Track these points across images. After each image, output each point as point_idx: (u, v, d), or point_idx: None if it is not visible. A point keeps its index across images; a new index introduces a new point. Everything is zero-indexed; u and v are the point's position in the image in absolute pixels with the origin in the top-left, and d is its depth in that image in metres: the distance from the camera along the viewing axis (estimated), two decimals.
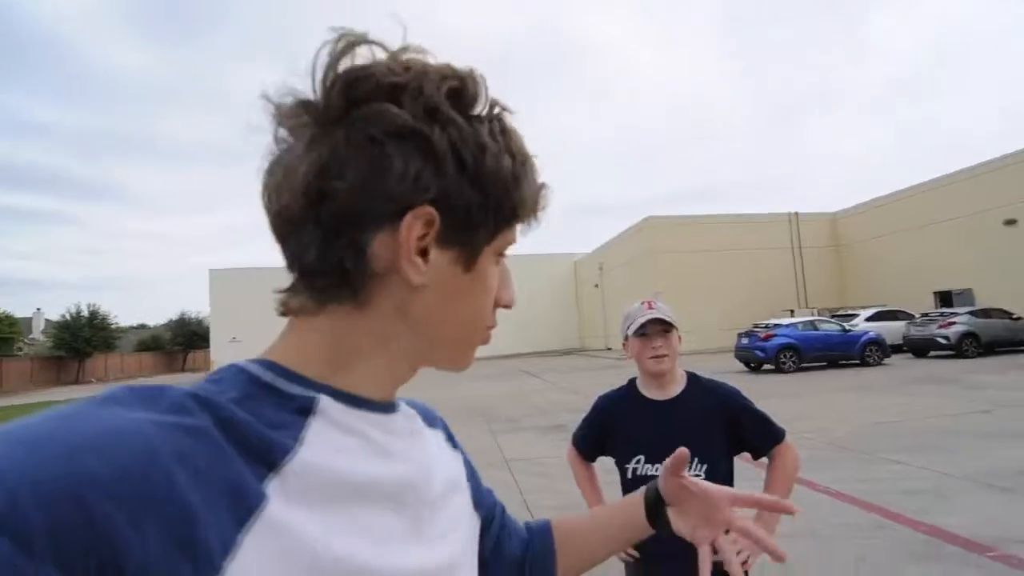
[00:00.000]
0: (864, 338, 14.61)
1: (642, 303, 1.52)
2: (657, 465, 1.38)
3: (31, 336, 42.94)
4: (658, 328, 1.48)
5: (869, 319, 17.00)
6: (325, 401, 0.39)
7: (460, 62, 0.43)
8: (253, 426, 0.35)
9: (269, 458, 0.34)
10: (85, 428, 0.29)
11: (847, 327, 15.35)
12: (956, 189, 20.98)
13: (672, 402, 1.48)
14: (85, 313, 37.81)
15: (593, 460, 1.63)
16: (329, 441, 0.38)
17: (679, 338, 1.51)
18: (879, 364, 14.30)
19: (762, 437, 1.45)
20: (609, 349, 28.81)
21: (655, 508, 0.65)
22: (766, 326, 15.24)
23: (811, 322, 15.48)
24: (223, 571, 0.30)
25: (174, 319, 50.17)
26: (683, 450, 0.63)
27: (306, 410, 0.38)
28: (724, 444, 1.44)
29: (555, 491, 4.80)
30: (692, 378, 1.53)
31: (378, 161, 0.38)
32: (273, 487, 0.34)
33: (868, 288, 24.71)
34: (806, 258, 26.55)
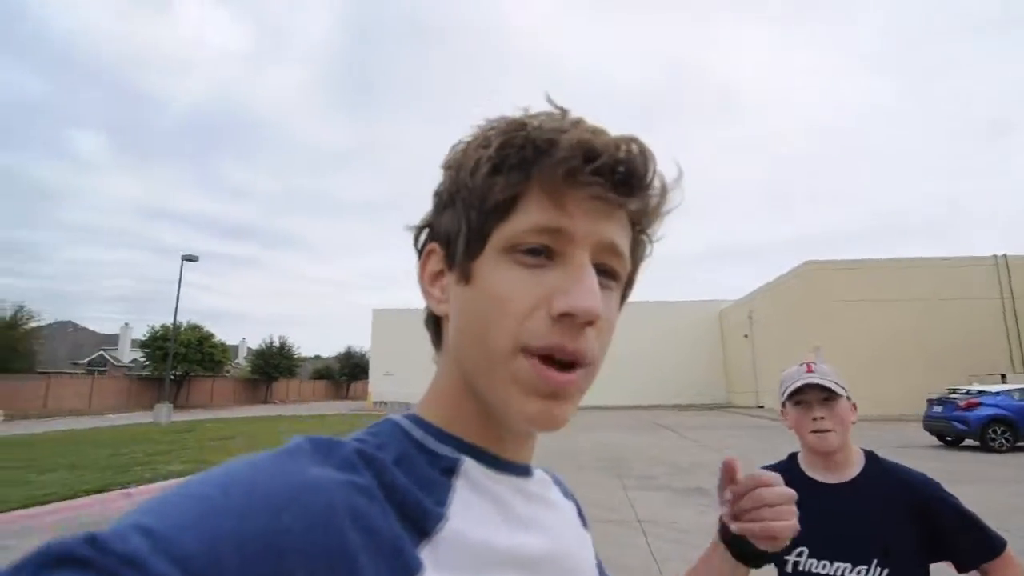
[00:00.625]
0: None
1: (801, 364, 1.32)
2: (824, 562, 1.19)
3: (237, 361, 51.69)
4: (819, 395, 1.26)
5: None
6: (468, 463, 0.41)
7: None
8: (412, 492, 0.36)
9: (423, 525, 0.36)
10: (280, 482, 0.30)
11: None
12: None
13: (845, 487, 1.25)
14: (276, 343, 44.78)
15: None
16: (473, 506, 0.40)
17: (853, 407, 1.28)
18: None
19: (971, 544, 1.17)
20: (761, 407, 26.00)
21: (741, 552, 0.64)
22: (967, 392, 12.62)
23: None
24: None
25: (342, 352, 57.10)
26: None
27: (451, 471, 0.40)
28: (913, 544, 1.18)
29: (693, 561, 4.45)
30: (871, 458, 1.29)
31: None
32: (426, 553, 0.35)
33: None
34: (1020, 311, 21.69)
